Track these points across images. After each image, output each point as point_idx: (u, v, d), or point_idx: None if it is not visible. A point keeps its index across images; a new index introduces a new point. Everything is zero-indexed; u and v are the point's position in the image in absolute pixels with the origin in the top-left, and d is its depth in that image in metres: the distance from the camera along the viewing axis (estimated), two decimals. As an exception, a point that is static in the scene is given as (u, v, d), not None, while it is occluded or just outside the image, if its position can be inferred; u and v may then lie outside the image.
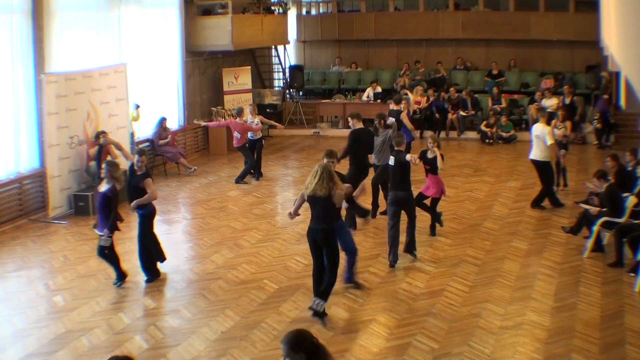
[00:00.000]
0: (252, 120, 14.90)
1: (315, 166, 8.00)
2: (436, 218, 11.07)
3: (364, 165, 11.38)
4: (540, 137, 12.10)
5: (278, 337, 7.63)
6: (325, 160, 8.35)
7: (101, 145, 12.72)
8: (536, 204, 12.39)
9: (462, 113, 19.23)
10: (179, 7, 17.24)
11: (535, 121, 13.20)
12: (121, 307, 8.54)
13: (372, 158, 11.63)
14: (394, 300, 8.59)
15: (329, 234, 7.88)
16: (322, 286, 8.01)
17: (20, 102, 12.30)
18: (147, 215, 9.39)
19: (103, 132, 12.94)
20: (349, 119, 11.86)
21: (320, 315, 7.99)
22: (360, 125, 11.60)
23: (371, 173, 11.60)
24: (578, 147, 17.66)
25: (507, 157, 16.72)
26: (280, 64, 22.12)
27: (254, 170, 15.10)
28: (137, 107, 15.12)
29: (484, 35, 21.44)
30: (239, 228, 11.73)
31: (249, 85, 19.42)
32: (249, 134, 14.88)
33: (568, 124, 13.02)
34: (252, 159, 14.89)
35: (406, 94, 17.38)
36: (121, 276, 9.21)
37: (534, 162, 12.33)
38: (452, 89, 19.69)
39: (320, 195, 7.77)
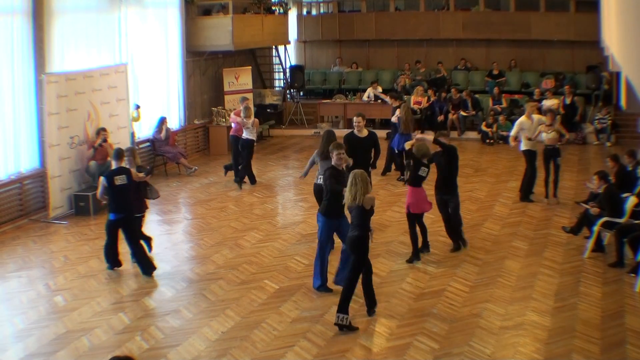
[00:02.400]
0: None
1: (351, 175, 7.72)
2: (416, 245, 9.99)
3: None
4: (523, 130, 12.64)
5: (279, 337, 7.64)
6: (335, 154, 8.58)
7: (95, 148, 12.89)
8: (525, 196, 12.78)
9: (462, 113, 19.23)
10: (180, 7, 17.23)
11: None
12: (122, 307, 8.55)
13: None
14: (395, 301, 8.59)
15: (359, 241, 7.72)
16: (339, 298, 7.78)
17: (21, 102, 12.31)
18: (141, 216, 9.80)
19: (103, 130, 12.97)
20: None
21: (347, 327, 7.72)
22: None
23: None
24: (578, 147, 17.66)
25: (508, 157, 16.71)
26: (281, 64, 22.13)
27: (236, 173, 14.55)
28: (138, 107, 15.12)
29: (484, 35, 21.45)
30: (240, 228, 11.73)
31: (250, 86, 19.42)
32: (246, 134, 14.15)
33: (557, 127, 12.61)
34: (234, 156, 14.52)
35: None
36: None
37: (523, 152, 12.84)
38: (453, 89, 19.69)
39: (357, 203, 7.63)
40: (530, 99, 17.97)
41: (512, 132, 12.89)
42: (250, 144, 14.12)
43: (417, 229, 9.94)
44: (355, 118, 10.77)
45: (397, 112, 14.83)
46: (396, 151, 14.74)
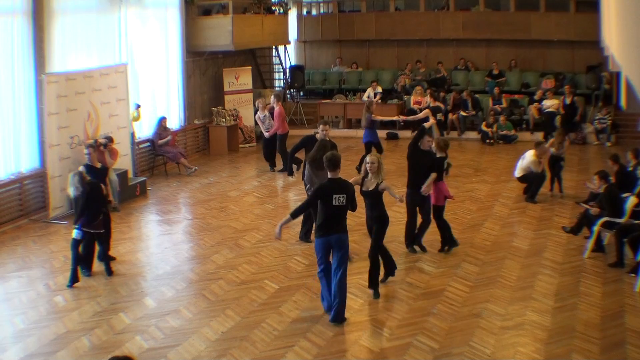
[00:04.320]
0: (262, 114, 15.21)
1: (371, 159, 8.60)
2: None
3: None
4: (524, 160, 12.98)
5: (279, 337, 7.65)
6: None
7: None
8: (530, 198, 12.86)
9: (462, 113, 19.23)
10: (180, 7, 17.23)
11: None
12: (122, 307, 8.55)
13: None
14: (395, 300, 8.60)
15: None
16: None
17: (21, 102, 12.31)
18: None
19: (107, 139, 12.89)
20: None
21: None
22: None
23: None
24: (578, 147, 17.67)
25: (508, 157, 16.70)
26: (281, 64, 22.12)
27: (269, 160, 15.79)
28: (138, 107, 15.12)
29: (484, 35, 21.46)
30: (240, 228, 11.73)
31: (250, 86, 19.40)
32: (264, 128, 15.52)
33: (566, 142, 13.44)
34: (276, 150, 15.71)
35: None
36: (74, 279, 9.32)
37: (518, 179, 13.19)
38: (454, 92, 19.69)
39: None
40: (532, 103, 18.22)
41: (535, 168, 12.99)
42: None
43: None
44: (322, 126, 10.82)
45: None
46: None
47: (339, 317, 7.91)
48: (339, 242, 7.81)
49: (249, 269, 9.82)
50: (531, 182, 12.85)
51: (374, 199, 8.66)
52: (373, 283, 8.72)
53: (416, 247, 10.25)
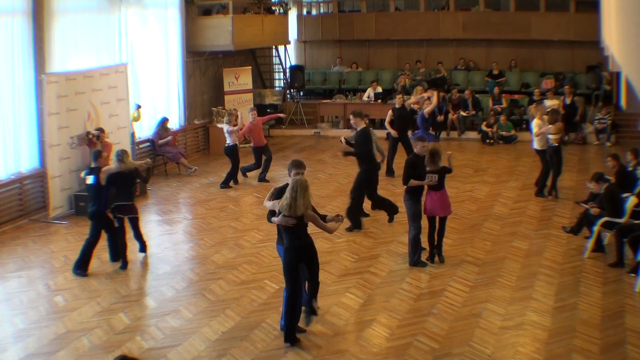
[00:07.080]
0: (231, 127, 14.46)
1: (292, 182, 7.35)
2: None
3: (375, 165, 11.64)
4: (534, 132, 12.88)
5: (279, 337, 7.64)
6: (294, 173, 7.55)
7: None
8: (540, 192, 13.05)
9: (462, 113, 19.23)
10: (180, 7, 17.23)
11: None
12: (122, 307, 8.55)
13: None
14: (395, 300, 8.60)
15: (313, 247, 7.57)
16: (312, 295, 7.68)
17: (21, 102, 12.31)
18: None
19: (99, 130, 12.91)
20: (352, 117, 11.50)
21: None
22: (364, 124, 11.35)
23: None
24: (578, 147, 17.67)
25: (508, 157, 16.73)
26: (281, 64, 22.13)
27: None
28: (138, 107, 15.11)
29: (484, 35, 21.47)
30: (240, 228, 11.74)
31: (250, 86, 19.42)
32: (227, 140, 14.44)
33: (552, 127, 12.79)
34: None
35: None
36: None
37: (535, 150, 13.12)
38: (454, 90, 19.70)
39: (300, 214, 7.27)
40: (532, 103, 18.10)
41: (535, 129, 12.83)
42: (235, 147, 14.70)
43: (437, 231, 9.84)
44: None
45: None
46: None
47: (286, 335, 7.54)
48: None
49: (249, 269, 9.82)
50: (544, 165, 12.83)
51: (302, 224, 7.45)
52: (290, 335, 7.48)
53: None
